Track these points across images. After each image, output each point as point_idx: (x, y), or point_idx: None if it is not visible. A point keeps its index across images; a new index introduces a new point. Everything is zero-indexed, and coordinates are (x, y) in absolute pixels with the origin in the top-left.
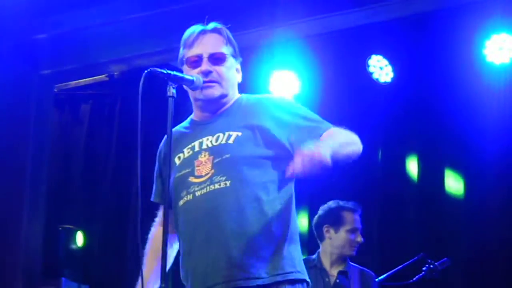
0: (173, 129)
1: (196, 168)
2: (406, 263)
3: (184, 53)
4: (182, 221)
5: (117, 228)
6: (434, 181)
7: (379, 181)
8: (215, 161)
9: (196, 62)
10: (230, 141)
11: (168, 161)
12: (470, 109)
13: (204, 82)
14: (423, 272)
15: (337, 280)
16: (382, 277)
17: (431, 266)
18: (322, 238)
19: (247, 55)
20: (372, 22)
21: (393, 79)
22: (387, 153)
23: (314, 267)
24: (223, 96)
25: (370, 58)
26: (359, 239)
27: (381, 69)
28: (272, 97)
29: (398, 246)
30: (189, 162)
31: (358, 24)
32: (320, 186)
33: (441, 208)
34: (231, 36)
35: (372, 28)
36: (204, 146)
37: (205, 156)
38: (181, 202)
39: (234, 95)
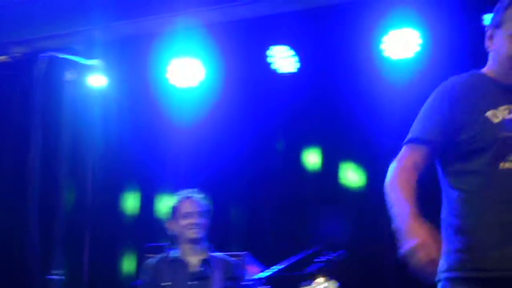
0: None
1: None
2: (302, 255)
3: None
4: (499, 186)
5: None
6: (335, 174)
7: (279, 173)
8: None
9: None
10: None
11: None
12: (372, 103)
13: None
14: (318, 263)
15: (201, 269)
16: (277, 268)
17: (328, 257)
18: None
19: (146, 42)
20: (277, 12)
21: (299, 69)
22: (287, 144)
23: (174, 259)
24: None
25: (270, 48)
26: (194, 221)
27: (284, 59)
28: None
29: (296, 238)
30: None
31: (262, 14)
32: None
33: (341, 201)
34: None
35: (277, 18)
36: None
37: None
38: (507, 165)
39: None
